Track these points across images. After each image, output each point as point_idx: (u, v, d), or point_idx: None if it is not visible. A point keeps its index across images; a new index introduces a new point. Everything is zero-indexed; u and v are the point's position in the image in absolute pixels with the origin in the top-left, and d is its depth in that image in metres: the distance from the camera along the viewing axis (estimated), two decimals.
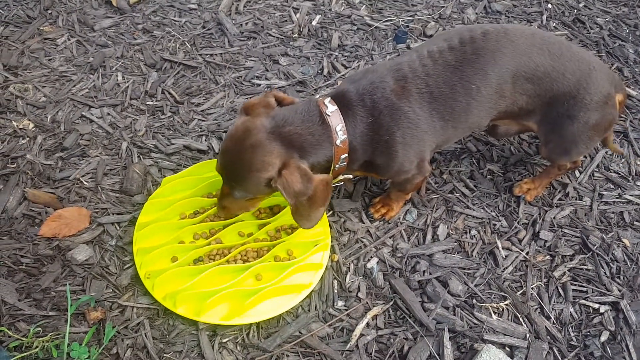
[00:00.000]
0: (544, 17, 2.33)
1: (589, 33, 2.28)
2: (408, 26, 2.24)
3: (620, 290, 1.48)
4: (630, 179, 1.77)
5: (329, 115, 1.26)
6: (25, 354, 1.29)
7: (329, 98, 1.30)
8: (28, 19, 2.18)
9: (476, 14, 2.33)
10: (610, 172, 1.78)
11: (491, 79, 1.31)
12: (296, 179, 1.22)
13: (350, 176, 1.44)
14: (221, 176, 1.33)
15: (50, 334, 1.33)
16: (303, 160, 1.26)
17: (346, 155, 1.31)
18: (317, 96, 1.39)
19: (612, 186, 1.74)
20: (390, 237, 1.57)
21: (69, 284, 1.42)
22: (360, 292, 1.45)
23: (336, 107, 1.28)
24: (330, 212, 1.61)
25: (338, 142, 1.27)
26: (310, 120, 1.27)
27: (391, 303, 1.43)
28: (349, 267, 1.50)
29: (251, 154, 1.22)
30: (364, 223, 1.60)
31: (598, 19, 2.34)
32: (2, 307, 1.37)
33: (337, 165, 1.32)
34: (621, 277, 1.51)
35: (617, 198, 1.71)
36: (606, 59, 2.16)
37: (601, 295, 1.48)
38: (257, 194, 1.34)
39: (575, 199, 1.70)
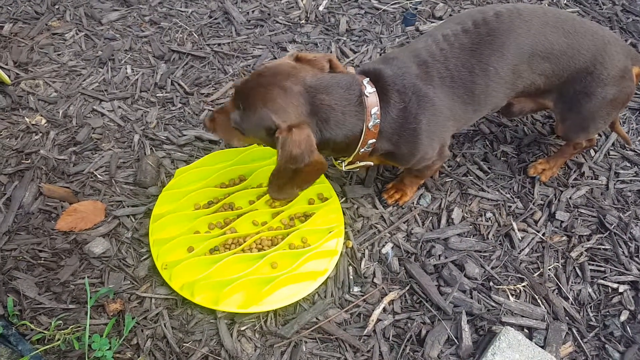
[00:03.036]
0: None
1: (602, 9, 2.23)
2: (416, 8, 2.21)
3: (639, 270, 1.47)
4: None
5: (367, 96, 1.23)
6: (47, 346, 1.31)
7: (367, 79, 1.26)
8: (36, 14, 2.18)
9: None
10: (627, 150, 1.75)
11: (508, 59, 1.29)
12: (300, 143, 1.16)
13: (371, 163, 1.40)
14: (235, 92, 1.25)
15: (71, 326, 1.35)
16: (319, 130, 1.21)
17: (374, 140, 1.27)
18: (353, 71, 1.34)
19: (628, 164, 1.72)
20: (404, 222, 1.56)
21: (88, 277, 1.44)
22: (375, 278, 1.45)
23: (374, 89, 1.25)
24: (343, 198, 1.61)
25: (370, 125, 1.24)
26: (349, 98, 1.22)
27: (407, 288, 1.43)
28: (363, 253, 1.50)
29: (276, 93, 1.16)
30: (377, 209, 1.59)
31: None
32: (23, 301, 1.39)
33: (362, 150, 1.29)
34: None
35: (634, 176, 1.68)
36: (620, 35, 2.12)
37: (620, 275, 1.46)
38: (251, 134, 1.25)
39: (591, 179, 1.67)
